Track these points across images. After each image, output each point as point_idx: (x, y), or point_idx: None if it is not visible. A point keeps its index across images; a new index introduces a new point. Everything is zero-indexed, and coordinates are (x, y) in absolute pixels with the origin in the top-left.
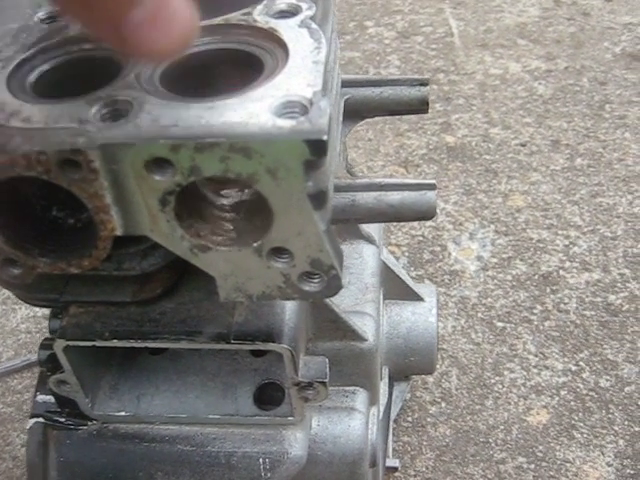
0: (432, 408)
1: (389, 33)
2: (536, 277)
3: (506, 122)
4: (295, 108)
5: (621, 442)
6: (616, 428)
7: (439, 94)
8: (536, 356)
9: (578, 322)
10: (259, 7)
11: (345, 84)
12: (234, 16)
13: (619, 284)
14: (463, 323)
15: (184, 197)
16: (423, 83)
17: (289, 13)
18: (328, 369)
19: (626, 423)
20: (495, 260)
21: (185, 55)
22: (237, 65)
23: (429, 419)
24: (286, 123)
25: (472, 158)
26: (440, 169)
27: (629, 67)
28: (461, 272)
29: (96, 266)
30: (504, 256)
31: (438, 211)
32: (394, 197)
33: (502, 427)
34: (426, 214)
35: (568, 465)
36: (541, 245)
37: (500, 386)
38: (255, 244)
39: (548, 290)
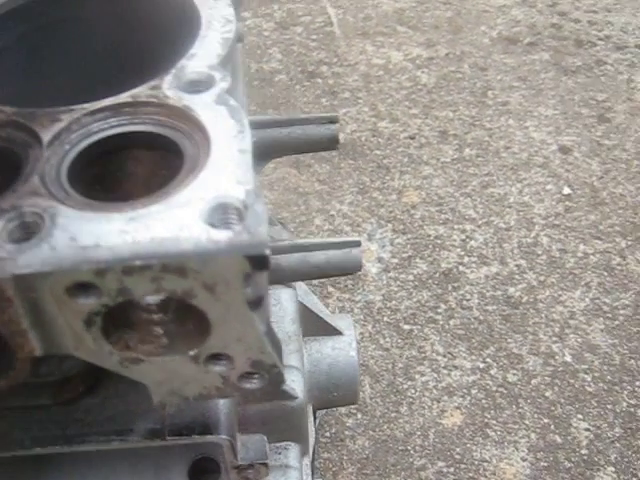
0: (349, 420)
1: (268, 24)
2: (437, 275)
3: (393, 114)
4: (229, 214)
5: (533, 436)
6: (527, 422)
7: (324, 88)
8: (445, 357)
9: (482, 318)
10: (168, 78)
11: (252, 125)
12: (142, 91)
13: (517, 276)
14: (370, 329)
15: (110, 313)
16: (332, 121)
17: (202, 85)
18: (267, 448)
19: (535, 416)
20: (396, 260)
21: (93, 141)
22: (151, 149)
23: (347, 432)
24: (222, 235)
25: (363, 154)
26: (332, 168)
27: (507, 51)
28: (363, 276)
29: (14, 383)
30: (404, 255)
31: (334, 213)
32: (319, 257)
33: (419, 433)
34: (352, 270)
35: (485, 464)
36: (439, 242)
37: (413, 391)
38: (191, 352)
39: (450, 287)
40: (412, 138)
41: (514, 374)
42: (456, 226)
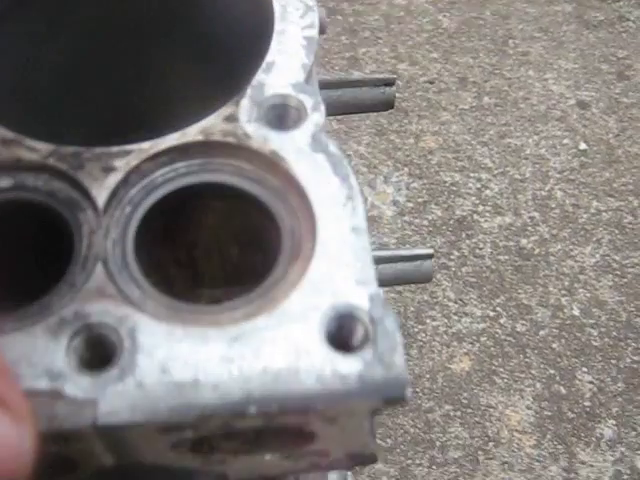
0: None
1: None
2: (451, 222)
3: (413, 57)
4: (352, 329)
5: (538, 385)
6: (533, 372)
7: (344, 25)
8: (456, 303)
9: (493, 267)
10: (244, 103)
11: None
12: (214, 124)
13: (530, 227)
14: None
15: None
16: (389, 83)
17: (290, 117)
18: None
19: (542, 366)
20: (411, 205)
21: (158, 198)
22: (229, 203)
23: None
24: (350, 367)
25: None
26: None
27: (529, 0)
28: (378, 218)
29: None
30: (419, 200)
31: (351, 153)
32: (388, 271)
33: (428, 376)
34: (421, 282)
35: (491, 410)
36: (454, 189)
37: (423, 335)
38: (285, 454)
39: (464, 235)
40: (431, 83)
41: (523, 324)
42: (472, 174)
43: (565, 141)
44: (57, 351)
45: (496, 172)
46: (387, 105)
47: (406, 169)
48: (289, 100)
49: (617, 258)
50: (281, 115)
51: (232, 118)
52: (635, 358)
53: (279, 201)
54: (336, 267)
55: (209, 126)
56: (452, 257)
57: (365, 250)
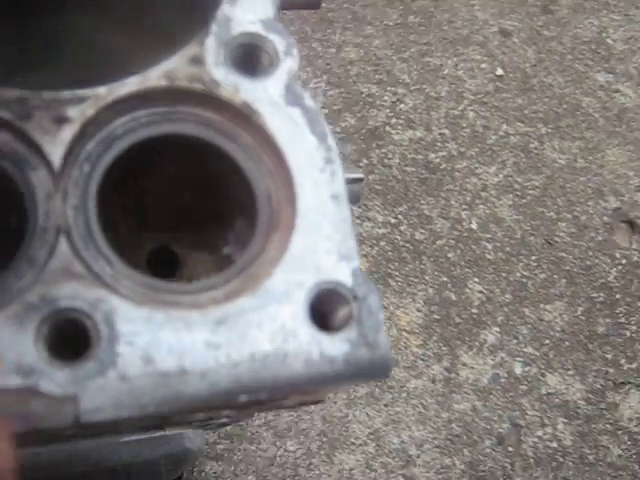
0: None
1: None
2: (363, 131)
3: None
4: (335, 306)
5: (430, 290)
6: (427, 277)
7: None
8: (359, 207)
9: (399, 177)
10: (210, 42)
11: None
12: (178, 67)
13: (439, 143)
14: None
15: None
16: None
17: (261, 60)
18: None
19: (436, 273)
20: (325, 111)
21: (118, 153)
22: (194, 157)
23: None
24: (336, 348)
25: None
26: None
27: None
28: None
29: None
30: (334, 108)
31: None
32: None
33: None
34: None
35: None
36: (370, 100)
37: None
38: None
39: (374, 145)
40: None
41: (422, 233)
42: (389, 88)
43: (483, 65)
44: (25, 342)
45: (412, 88)
46: (315, 4)
47: (325, 77)
48: (259, 41)
49: (519, 180)
50: (250, 57)
51: (198, 60)
52: (525, 273)
53: (252, 160)
54: (318, 240)
55: (173, 69)
56: (361, 164)
57: (345, 221)
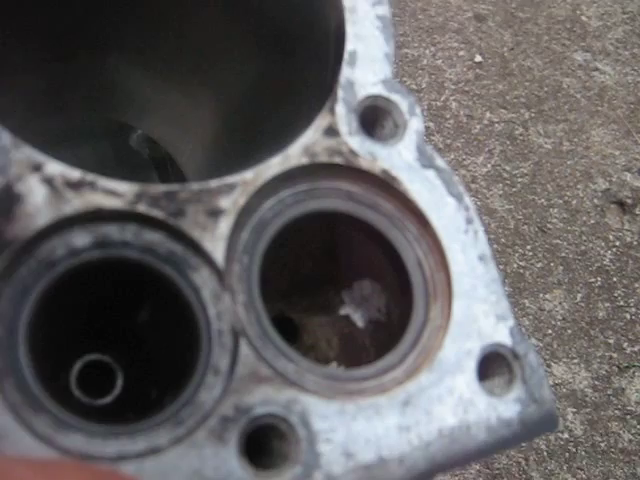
0: None
1: None
2: None
3: None
4: (500, 368)
5: None
6: None
7: None
8: None
9: None
10: (339, 109)
11: None
12: (315, 141)
13: (424, 137)
14: None
15: None
16: None
17: (387, 122)
18: None
19: None
20: None
21: (271, 238)
22: (331, 229)
23: None
24: (509, 411)
25: None
26: None
27: None
28: None
29: None
30: None
31: None
32: None
33: None
34: None
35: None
36: None
37: None
38: None
39: None
40: None
41: None
42: None
43: (461, 53)
44: (229, 459)
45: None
46: None
47: None
48: (384, 103)
49: (507, 168)
50: (377, 121)
51: (332, 131)
52: (521, 263)
53: (397, 229)
54: (475, 304)
55: (311, 143)
56: None
57: (496, 281)
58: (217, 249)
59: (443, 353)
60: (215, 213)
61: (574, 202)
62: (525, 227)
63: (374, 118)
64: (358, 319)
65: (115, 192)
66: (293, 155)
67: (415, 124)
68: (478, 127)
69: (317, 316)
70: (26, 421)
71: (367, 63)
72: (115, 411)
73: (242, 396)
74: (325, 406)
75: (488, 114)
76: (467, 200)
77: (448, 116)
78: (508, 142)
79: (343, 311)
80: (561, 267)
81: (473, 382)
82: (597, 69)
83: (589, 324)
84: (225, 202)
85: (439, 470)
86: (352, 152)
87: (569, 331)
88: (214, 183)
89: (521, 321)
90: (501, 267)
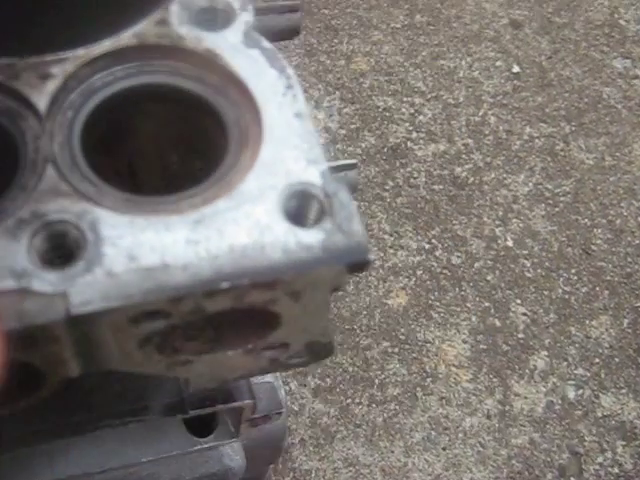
0: None
1: None
2: (385, 150)
3: None
4: (309, 205)
5: (474, 318)
6: (469, 305)
7: None
8: (391, 235)
9: (428, 197)
10: (174, 9)
11: None
12: (147, 29)
13: (464, 155)
14: None
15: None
16: (293, 9)
17: (220, 18)
18: (281, 395)
19: (477, 299)
20: (343, 132)
21: (99, 101)
22: (169, 105)
23: None
24: (312, 237)
25: (310, 13)
26: None
27: None
28: None
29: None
30: (352, 127)
31: None
32: None
33: (365, 312)
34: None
35: (428, 345)
36: (387, 114)
37: None
38: (248, 346)
39: (398, 164)
40: None
41: (458, 256)
42: (405, 98)
43: (498, 63)
44: (19, 251)
45: (429, 96)
46: (292, 32)
47: (337, 93)
48: (217, 3)
49: (549, 187)
50: (209, 15)
51: (164, 22)
52: (566, 289)
53: (220, 96)
54: (285, 149)
55: (142, 31)
56: (387, 187)
57: (311, 133)
58: (41, 102)
59: (245, 185)
60: (45, 76)
61: (618, 221)
62: (569, 250)
63: (206, 11)
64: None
65: None
66: (123, 38)
67: (245, 17)
68: (518, 143)
69: None
70: None
71: None
72: None
73: (39, 205)
74: (116, 218)
75: (528, 129)
76: (290, 71)
77: (487, 132)
78: (549, 158)
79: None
80: (607, 291)
81: (274, 211)
82: (637, 77)
83: (637, 351)
84: (55, 69)
85: (226, 279)
86: (179, 36)
87: (617, 359)
88: (49, 57)
89: (567, 350)
90: (546, 293)
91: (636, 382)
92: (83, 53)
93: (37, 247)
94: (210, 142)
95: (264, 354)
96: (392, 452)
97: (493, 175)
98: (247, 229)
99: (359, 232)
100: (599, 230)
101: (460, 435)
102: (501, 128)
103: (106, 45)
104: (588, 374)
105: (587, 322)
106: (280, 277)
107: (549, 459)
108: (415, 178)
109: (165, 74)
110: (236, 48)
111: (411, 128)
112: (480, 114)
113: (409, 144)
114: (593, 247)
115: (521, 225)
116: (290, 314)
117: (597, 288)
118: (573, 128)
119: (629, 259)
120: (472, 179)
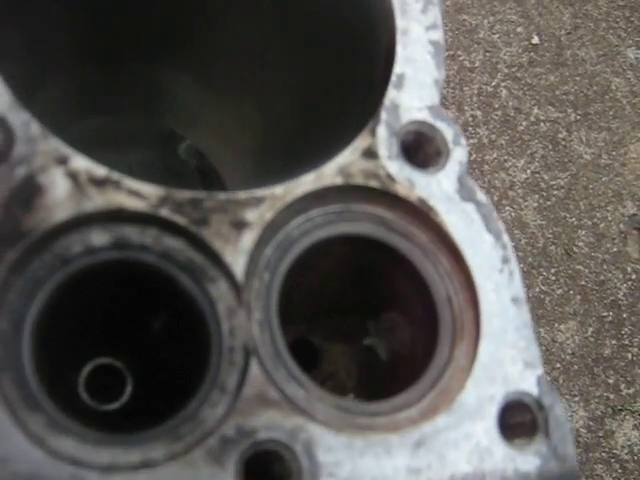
0: None
1: None
2: None
3: None
4: (521, 415)
5: None
6: None
7: None
8: None
9: None
10: (381, 131)
11: None
12: (352, 161)
13: (470, 129)
14: None
15: None
16: None
17: (428, 147)
18: None
19: None
20: None
21: (295, 257)
22: (361, 254)
23: None
24: (529, 464)
25: None
26: None
27: None
28: None
29: None
30: None
31: None
32: None
33: None
34: None
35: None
36: None
37: None
38: None
39: None
40: None
41: None
42: None
43: (519, 30)
44: None
45: (447, 54)
46: None
47: None
48: (428, 129)
49: (546, 177)
50: (419, 147)
51: (371, 153)
52: (543, 288)
53: (428, 262)
54: (503, 347)
55: (347, 164)
56: None
57: (527, 326)
58: (238, 262)
59: (464, 396)
60: (240, 225)
61: (602, 225)
62: (553, 248)
63: (416, 144)
64: (381, 351)
65: (139, 193)
66: (327, 174)
67: (459, 154)
68: (524, 124)
69: (339, 343)
70: (20, 419)
71: (415, 87)
72: (119, 421)
73: (246, 418)
74: (332, 438)
75: (536, 110)
76: (505, 238)
77: (497, 105)
78: (550, 146)
79: (367, 341)
80: (579, 297)
81: (493, 430)
82: None
83: (594, 361)
84: (251, 215)
85: None
86: (389, 177)
87: (575, 367)
88: (242, 195)
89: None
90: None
91: (588, 392)
92: (282, 192)
93: (245, 473)
94: (387, 291)
95: None
96: None
97: (495, 155)
98: (467, 454)
99: (572, 457)
100: (583, 232)
101: None
102: (510, 104)
103: (307, 183)
104: (548, 379)
105: (556, 325)
106: None
107: None
108: None
109: (369, 223)
110: (451, 200)
111: None
112: (493, 84)
113: None
114: (575, 249)
115: (513, 214)
116: None
117: (571, 292)
118: (578, 117)
119: (605, 266)
120: (474, 156)
